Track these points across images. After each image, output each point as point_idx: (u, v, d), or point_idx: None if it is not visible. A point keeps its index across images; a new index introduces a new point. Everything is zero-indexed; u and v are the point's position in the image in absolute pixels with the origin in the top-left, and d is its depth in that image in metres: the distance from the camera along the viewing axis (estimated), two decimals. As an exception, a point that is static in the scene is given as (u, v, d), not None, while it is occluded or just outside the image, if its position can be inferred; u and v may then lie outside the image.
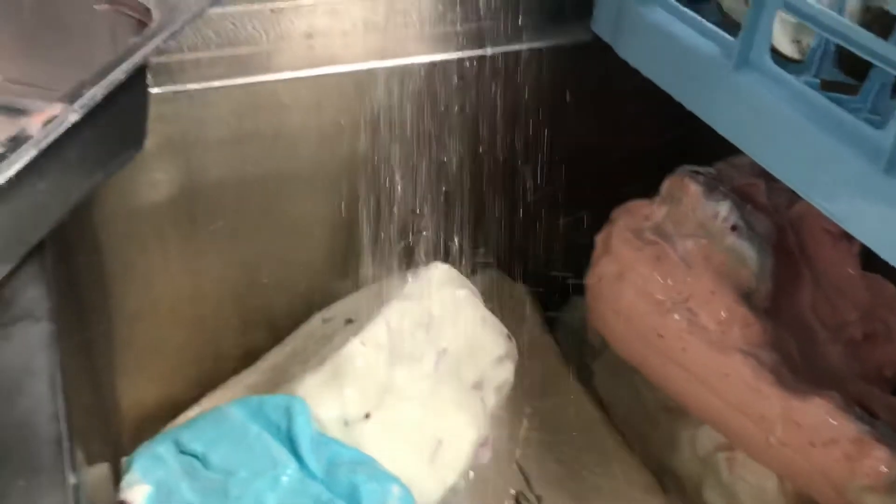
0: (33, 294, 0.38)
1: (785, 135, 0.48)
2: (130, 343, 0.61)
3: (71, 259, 0.53)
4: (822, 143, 0.46)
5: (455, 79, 0.62)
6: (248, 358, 0.65)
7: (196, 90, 0.55)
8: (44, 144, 0.33)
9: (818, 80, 0.53)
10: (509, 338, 0.56)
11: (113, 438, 0.60)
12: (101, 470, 0.59)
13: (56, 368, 0.35)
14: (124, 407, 0.62)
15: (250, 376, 0.60)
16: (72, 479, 0.31)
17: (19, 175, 0.33)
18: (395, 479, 0.36)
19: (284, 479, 0.35)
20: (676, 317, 0.56)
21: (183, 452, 0.38)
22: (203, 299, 0.63)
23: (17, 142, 0.33)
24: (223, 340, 0.66)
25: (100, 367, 0.59)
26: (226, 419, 0.39)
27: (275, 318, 0.66)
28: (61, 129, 0.34)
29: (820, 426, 0.51)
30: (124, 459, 0.58)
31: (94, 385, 0.58)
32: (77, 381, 0.49)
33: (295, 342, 0.61)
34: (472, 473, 0.57)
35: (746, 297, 0.56)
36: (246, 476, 0.35)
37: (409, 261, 0.65)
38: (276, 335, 0.65)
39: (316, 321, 0.61)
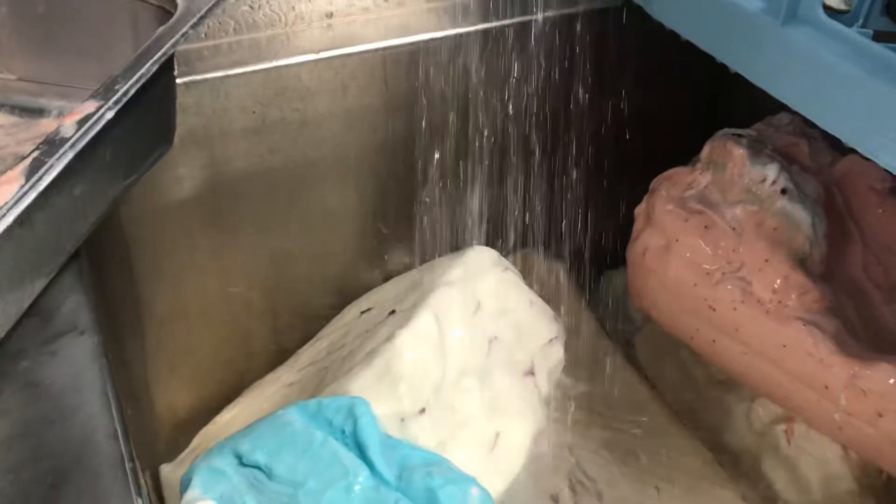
0: (73, 305, 0.36)
1: (844, 91, 0.45)
2: (161, 346, 0.59)
3: (99, 263, 0.51)
4: (887, 97, 0.43)
5: (481, 51, 0.60)
6: (281, 355, 0.63)
7: (216, 78, 0.52)
8: (80, 145, 0.31)
9: (871, 31, 0.51)
10: (556, 319, 0.54)
11: (149, 445, 0.58)
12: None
13: (107, 382, 0.33)
14: (158, 411, 0.60)
15: (287, 373, 0.58)
16: (138, 503, 0.29)
17: (56, 180, 0.31)
18: (473, 480, 0.34)
19: (357, 487, 0.33)
20: (729, 287, 0.54)
21: (244, 464, 0.35)
22: (233, 296, 0.61)
23: (52, 144, 0.30)
24: (255, 338, 0.64)
25: (133, 372, 0.56)
26: (286, 426, 0.37)
27: (307, 312, 0.64)
28: (97, 129, 0.32)
29: (888, 393, 0.49)
30: (163, 467, 0.56)
31: (128, 391, 0.56)
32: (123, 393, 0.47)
33: (331, 336, 0.58)
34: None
35: (801, 262, 0.54)
36: (316, 487, 0.33)
37: (446, 245, 0.63)
38: (309, 330, 0.63)
39: (352, 313, 0.59)
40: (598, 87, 0.65)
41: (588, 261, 0.71)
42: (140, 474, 0.31)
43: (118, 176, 0.37)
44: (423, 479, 0.33)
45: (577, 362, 0.61)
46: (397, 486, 0.34)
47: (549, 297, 0.62)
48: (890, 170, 0.43)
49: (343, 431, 0.36)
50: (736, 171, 0.57)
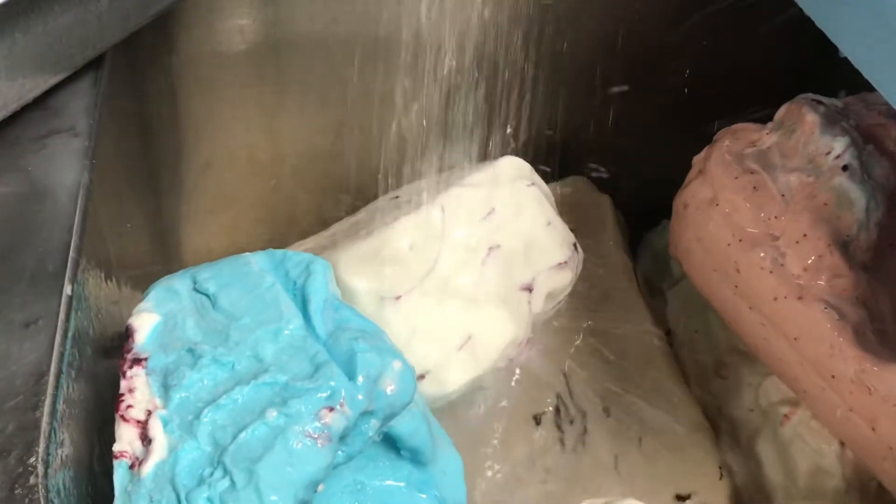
0: (79, 109, 0.38)
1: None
2: (203, 189, 0.61)
3: (144, 104, 0.53)
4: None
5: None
6: (322, 226, 0.65)
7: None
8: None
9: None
10: (575, 247, 0.53)
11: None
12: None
13: (84, 185, 0.35)
14: (193, 247, 0.63)
15: (310, 242, 0.59)
16: (68, 290, 0.32)
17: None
18: (399, 355, 0.35)
19: (286, 332, 0.34)
20: (761, 254, 0.51)
21: (197, 290, 0.37)
22: (281, 159, 0.62)
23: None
24: (299, 203, 0.66)
25: (166, 212, 0.59)
26: (245, 265, 0.38)
27: (351, 192, 0.65)
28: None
29: (894, 396, 0.46)
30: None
31: (157, 228, 0.59)
32: (135, 218, 0.50)
33: (360, 215, 0.60)
34: (517, 373, 0.55)
35: (843, 245, 0.51)
36: (249, 323, 0.35)
37: (498, 152, 0.62)
38: (352, 208, 0.64)
39: (384, 199, 0.60)
40: (695, 29, 0.62)
41: (645, 205, 0.69)
42: (85, 270, 0.34)
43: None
44: (348, 342, 0.34)
45: (596, 297, 0.60)
46: (325, 342, 0.35)
47: (586, 228, 0.61)
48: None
49: (295, 283, 0.37)
50: (802, 138, 0.53)
